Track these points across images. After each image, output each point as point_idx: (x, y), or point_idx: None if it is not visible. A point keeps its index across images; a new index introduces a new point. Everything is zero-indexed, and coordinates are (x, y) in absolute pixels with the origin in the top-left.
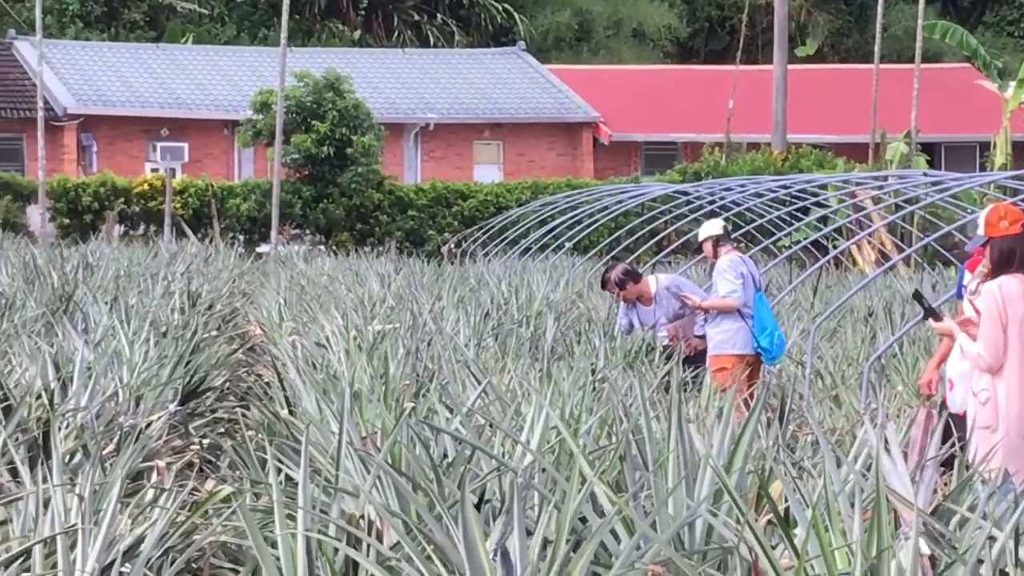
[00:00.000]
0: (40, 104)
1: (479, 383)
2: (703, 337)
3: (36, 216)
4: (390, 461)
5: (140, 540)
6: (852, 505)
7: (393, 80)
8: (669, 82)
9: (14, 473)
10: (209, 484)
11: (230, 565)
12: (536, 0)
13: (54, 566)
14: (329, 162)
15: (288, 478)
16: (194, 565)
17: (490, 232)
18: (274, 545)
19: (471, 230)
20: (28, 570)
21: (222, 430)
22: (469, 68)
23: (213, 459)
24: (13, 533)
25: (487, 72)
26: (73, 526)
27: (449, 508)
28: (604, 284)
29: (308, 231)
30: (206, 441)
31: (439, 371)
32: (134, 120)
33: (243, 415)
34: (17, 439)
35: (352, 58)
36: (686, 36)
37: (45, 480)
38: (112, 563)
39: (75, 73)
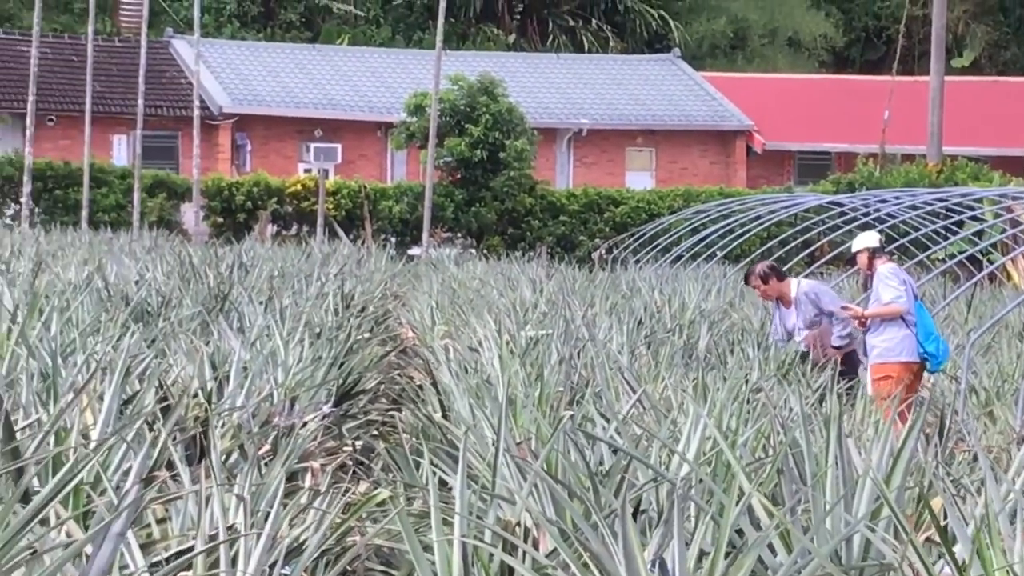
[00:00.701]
0: (196, 103)
1: (633, 391)
2: (839, 348)
3: (190, 214)
4: (546, 468)
5: (302, 542)
6: (1012, 524)
7: (547, 85)
8: (824, 91)
9: (171, 470)
10: (362, 487)
11: (382, 568)
12: (692, 7)
13: (213, 566)
14: (482, 166)
15: (442, 482)
16: (348, 568)
17: (641, 239)
18: (428, 549)
19: (622, 237)
20: (188, 568)
21: (375, 432)
22: (623, 74)
23: (365, 461)
24: (172, 532)
25: (641, 78)
26: (231, 527)
27: (606, 517)
28: (748, 276)
29: (460, 234)
30: (359, 443)
31: (593, 378)
32: (288, 120)
33: (397, 418)
34: (175, 438)
35: (506, 62)
36: (842, 45)
37: (203, 479)
38: (274, 564)
39: (231, 72)
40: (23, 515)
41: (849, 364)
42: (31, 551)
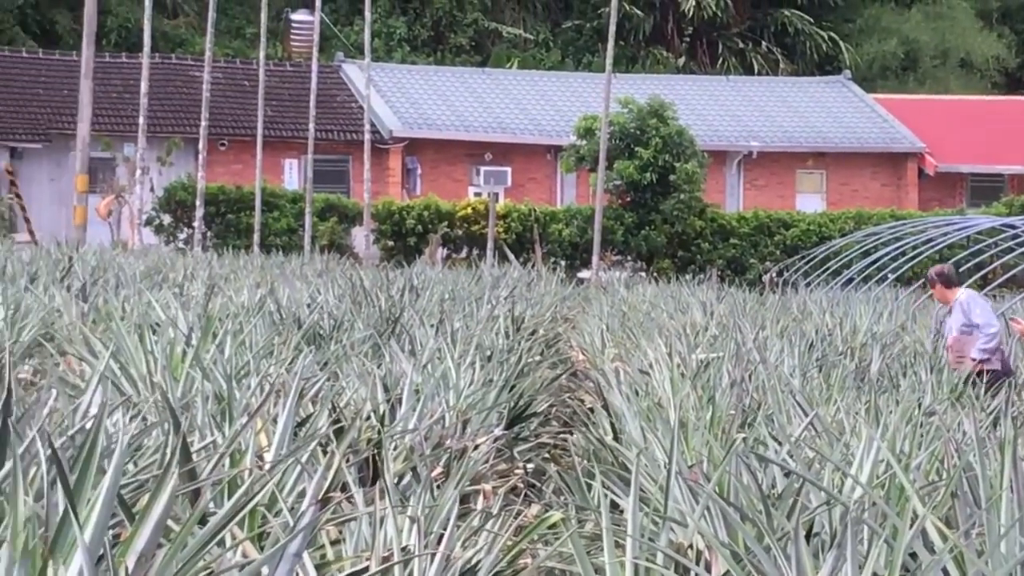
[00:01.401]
0: (367, 127)
1: (805, 414)
2: (978, 360)
3: (361, 238)
4: (718, 491)
5: (475, 564)
6: None
7: (716, 107)
8: (997, 113)
9: (344, 491)
10: (533, 509)
11: None
12: (862, 29)
13: None
14: (652, 189)
15: (613, 504)
16: None
17: (812, 261)
18: (600, 572)
19: (793, 259)
20: None
21: (546, 455)
22: (793, 96)
23: (537, 484)
24: (346, 553)
25: (811, 100)
26: (405, 548)
27: (779, 540)
28: (927, 278)
29: (629, 257)
30: (531, 466)
31: (764, 401)
32: (458, 144)
33: (569, 441)
34: (348, 460)
35: (676, 84)
36: (1015, 66)
37: (376, 501)
38: None
39: (401, 97)
40: (201, 536)
41: (992, 378)
42: (208, 572)
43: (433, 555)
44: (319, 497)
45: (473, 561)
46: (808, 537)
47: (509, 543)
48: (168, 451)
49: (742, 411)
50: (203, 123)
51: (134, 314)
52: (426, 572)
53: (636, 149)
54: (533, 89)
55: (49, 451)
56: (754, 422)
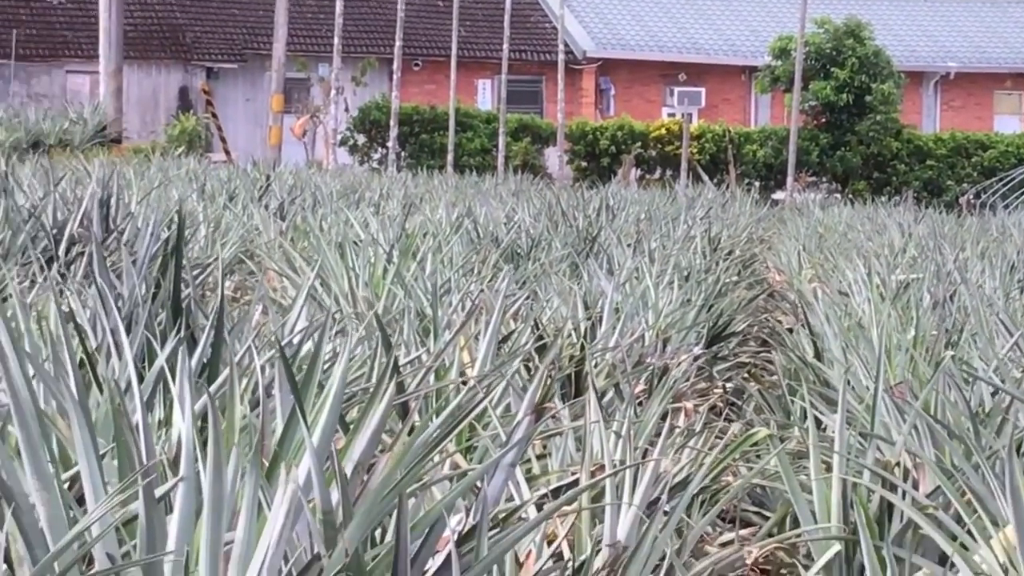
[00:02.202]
0: (560, 47)
1: (1010, 334)
2: None
3: (554, 158)
4: (924, 409)
5: (685, 479)
6: None
7: (914, 28)
8: None
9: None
10: (734, 428)
11: (754, 509)
12: None
13: (595, 500)
14: (847, 110)
15: (816, 422)
16: (722, 508)
17: (1010, 184)
18: (804, 489)
19: (990, 181)
20: (572, 502)
21: (745, 375)
22: (991, 16)
23: (736, 402)
24: (552, 467)
25: (1010, 21)
26: (613, 462)
27: (988, 458)
28: None
29: (824, 179)
30: (730, 385)
31: (967, 322)
32: (652, 64)
33: (768, 361)
34: (551, 376)
35: (873, 5)
36: None
37: (580, 417)
38: (656, 499)
39: (595, 17)
40: (417, 446)
41: None
42: (420, 483)
43: (643, 469)
44: (532, 409)
45: (685, 476)
46: (1019, 454)
47: (713, 460)
48: (377, 364)
49: (945, 331)
50: (397, 43)
51: (332, 232)
52: (636, 486)
53: (832, 70)
54: (728, 9)
55: (269, 356)
56: (958, 342)
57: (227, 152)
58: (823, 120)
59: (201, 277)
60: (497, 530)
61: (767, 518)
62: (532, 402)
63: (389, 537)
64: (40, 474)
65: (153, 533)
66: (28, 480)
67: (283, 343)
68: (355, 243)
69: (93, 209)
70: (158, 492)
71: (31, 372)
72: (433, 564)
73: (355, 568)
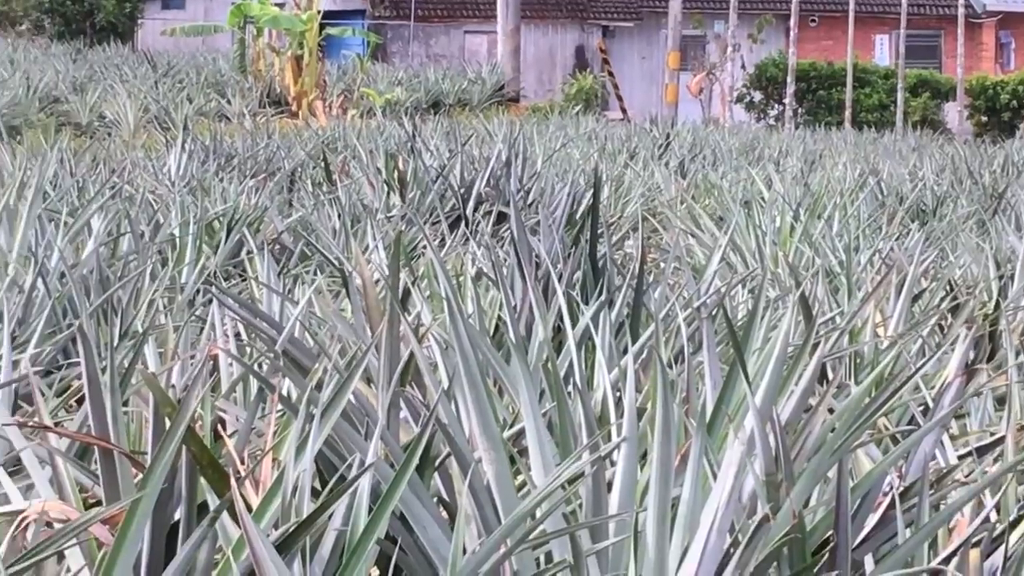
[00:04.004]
0: (960, 1)
1: None
2: None
3: (953, 113)
4: None
5: None
6: None
7: None
8: None
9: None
10: None
11: None
12: None
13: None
14: None
15: None
16: None
17: None
18: None
19: None
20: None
21: None
22: None
23: None
24: (970, 427)
25: None
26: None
27: None
28: None
29: None
30: None
31: None
32: None
33: None
34: (964, 335)
35: None
36: None
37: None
38: None
39: None
40: (852, 409)
41: None
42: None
43: None
44: (963, 371)
45: None
46: None
47: None
48: (793, 324)
49: None
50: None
51: (733, 190)
52: None
53: None
54: None
55: (686, 314)
56: None
57: (623, 110)
58: None
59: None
60: (932, 491)
61: None
62: (962, 363)
63: (813, 498)
64: (488, 434)
65: (600, 493)
66: (477, 439)
67: (700, 302)
68: (757, 200)
69: (499, 169)
70: (602, 452)
71: (463, 331)
72: (870, 523)
73: (800, 528)
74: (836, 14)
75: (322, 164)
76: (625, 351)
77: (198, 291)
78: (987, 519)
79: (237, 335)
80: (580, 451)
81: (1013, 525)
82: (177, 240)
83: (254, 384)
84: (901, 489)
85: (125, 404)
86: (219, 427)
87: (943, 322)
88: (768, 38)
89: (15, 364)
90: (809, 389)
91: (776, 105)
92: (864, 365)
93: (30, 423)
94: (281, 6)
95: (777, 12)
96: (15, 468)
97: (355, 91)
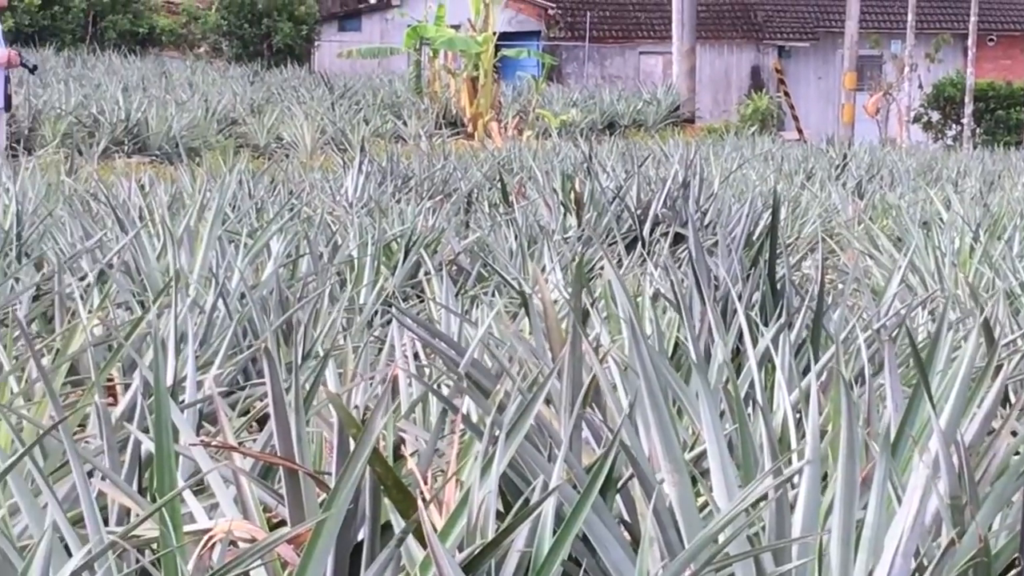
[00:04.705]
0: None
1: None
2: None
3: None
4: None
5: None
6: None
7: None
8: None
9: None
10: None
11: None
12: None
13: None
14: None
15: None
16: None
17: None
18: None
19: None
20: None
21: None
22: None
23: None
24: None
25: None
26: None
27: None
28: None
29: None
30: None
31: None
32: None
33: None
34: None
35: None
36: None
37: None
38: None
39: None
40: None
41: None
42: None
43: None
44: None
45: None
46: None
47: None
48: (974, 345)
49: None
50: (972, 18)
51: (911, 211)
52: None
53: None
54: None
55: (865, 336)
56: None
57: (799, 130)
58: None
59: (784, 256)
60: None
61: None
62: None
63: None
64: (672, 456)
65: (783, 516)
66: (660, 460)
67: (880, 323)
68: (936, 221)
69: (676, 190)
70: (786, 474)
71: (645, 352)
72: None
73: (985, 552)
74: (1015, 33)
75: (499, 185)
76: (805, 372)
77: (376, 312)
78: None
79: (415, 356)
80: (764, 475)
81: None
82: (355, 261)
83: (432, 405)
84: None
85: (306, 424)
86: (400, 447)
87: None
88: (945, 57)
89: (199, 384)
90: (992, 412)
91: (954, 125)
92: None
93: (215, 443)
94: (457, 28)
95: (954, 31)
96: (199, 488)
97: (530, 112)
